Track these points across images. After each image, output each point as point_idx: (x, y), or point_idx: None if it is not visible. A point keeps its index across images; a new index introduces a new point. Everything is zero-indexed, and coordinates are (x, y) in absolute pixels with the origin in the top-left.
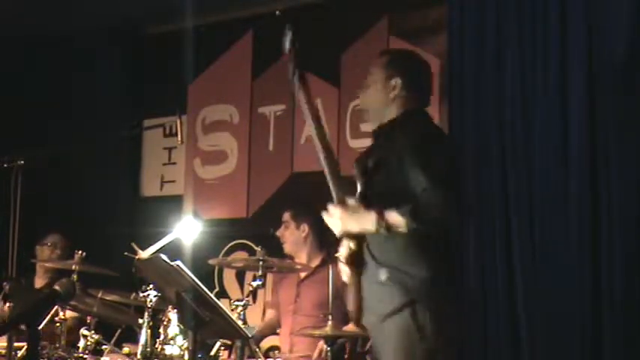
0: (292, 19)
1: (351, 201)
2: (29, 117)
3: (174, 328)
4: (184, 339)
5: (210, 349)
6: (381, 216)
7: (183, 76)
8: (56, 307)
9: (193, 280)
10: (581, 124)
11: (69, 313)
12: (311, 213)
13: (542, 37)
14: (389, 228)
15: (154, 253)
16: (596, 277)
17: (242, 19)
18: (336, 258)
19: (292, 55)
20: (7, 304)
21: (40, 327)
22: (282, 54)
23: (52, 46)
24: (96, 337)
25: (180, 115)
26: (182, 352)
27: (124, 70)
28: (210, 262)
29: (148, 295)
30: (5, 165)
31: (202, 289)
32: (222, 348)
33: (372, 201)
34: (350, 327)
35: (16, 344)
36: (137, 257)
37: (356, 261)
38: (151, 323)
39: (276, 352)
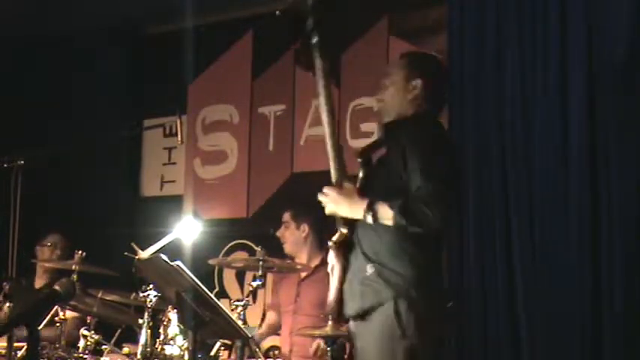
0: (293, 19)
1: (348, 185)
2: (29, 117)
3: (174, 328)
4: (184, 339)
5: (210, 349)
6: (371, 205)
7: (183, 76)
8: (56, 307)
9: (193, 280)
10: (581, 124)
11: (69, 313)
12: (311, 213)
13: (542, 37)
14: (376, 218)
15: (153, 253)
16: (596, 277)
17: (242, 19)
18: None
19: (315, 15)
20: (7, 304)
21: (40, 327)
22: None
23: (52, 46)
24: (96, 337)
25: (180, 115)
26: (182, 352)
27: (123, 70)
28: (210, 262)
29: (148, 295)
30: (5, 165)
31: (202, 289)
32: (222, 348)
33: (370, 194)
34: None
35: (16, 344)
36: (137, 257)
37: (344, 247)
38: (150, 323)
39: (276, 352)
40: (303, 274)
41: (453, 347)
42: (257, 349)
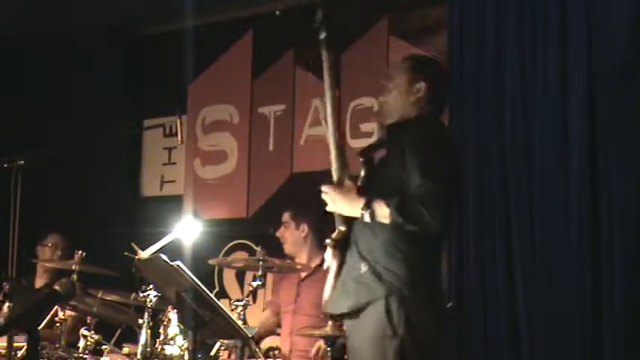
0: (293, 19)
1: (347, 183)
2: (29, 117)
3: (174, 328)
4: (184, 339)
5: (210, 349)
6: (368, 203)
7: (183, 76)
8: (56, 307)
9: (193, 280)
10: (581, 124)
11: (69, 313)
12: (310, 213)
13: (542, 37)
14: (373, 216)
15: (154, 253)
16: (596, 277)
17: (242, 19)
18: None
19: (324, 8)
20: (7, 304)
21: (40, 327)
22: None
23: (52, 46)
24: (96, 337)
25: (180, 115)
26: (182, 352)
27: (123, 70)
28: (210, 262)
29: (148, 295)
30: (5, 165)
31: (202, 289)
32: (222, 348)
33: (370, 194)
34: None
35: (16, 344)
36: (137, 257)
37: (342, 245)
38: (151, 323)
39: (276, 352)
40: (303, 274)
41: (453, 347)
42: (257, 349)
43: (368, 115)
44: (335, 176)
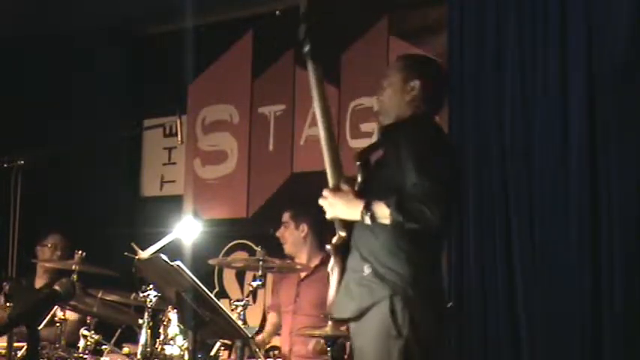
0: (293, 19)
1: (344, 187)
2: (29, 117)
3: (174, 328)
4: (184, 339)
5: (210, 349)
6: (368, 205)
7: (183, 76)
8: (56, 307)
9: (193, 280)
10: (581, 124)
11: (69, 313)
12: (310, 213)
13: (542, 37)
14: (374, 218)
15: (153, 253)
16: (596, 277)
17: (242, 19)
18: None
19: (307, 22)
20: (7, 304)
21: (40, 327)
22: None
23: (52, 46)
24: (96, 337)
25: (180, 115)
26: (182, 352)
27: (123, 70)
28: (210, 262)
29: (148, 295)
30: (5, 165)
31: (202, 289)
32: (222, 348)
33: (369, 196)
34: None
35: (16, 344)
36: (137, 257)
37: (343, 249)
38: (151, 323)
39: (276, 352)
40: (303, 274)
41: (453, 347)
42: (257, 349)
43: (368, 115)
44: (331, 182)
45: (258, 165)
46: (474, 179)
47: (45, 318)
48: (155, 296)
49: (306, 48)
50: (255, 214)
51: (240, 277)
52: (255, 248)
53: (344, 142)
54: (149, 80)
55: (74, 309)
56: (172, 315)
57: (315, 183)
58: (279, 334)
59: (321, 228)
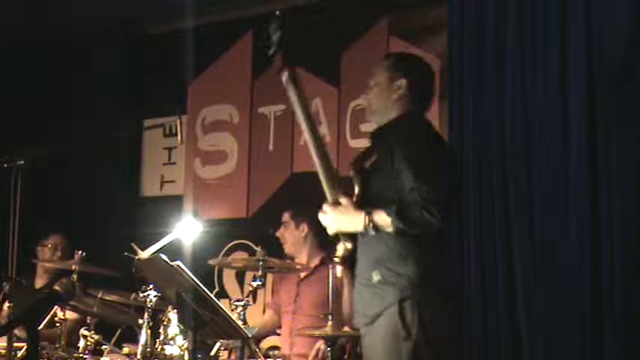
0: (291, 19)
1: (343, 201)
2: (29, 117)
3: (174, 328)
4: (184, 339)
5: (210, 349)
6: (369, 216)
7: (183, 76)
8: (56, 307)
9: (193, 280)
10: (581, 124)
11: (69, 313)
12: (310, 213)
13: (542, 37)
14: (377, 228)
15: (153, 253)
16: (596, 277)
17: (242, 19)
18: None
19: (281, 53)
20: (7, 304)
21: (40, 327)
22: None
23: (51, 45)
24: (96, 337)
25: (180, 115)
26: (182, 352)
27: (123, 70)
28: (210, 262)
29: (148, 295)
30: (5, 165)
31: (202, 289)
32: (222, 348)
33: (368, 203)
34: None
35: (16, 344)
36: (137, 257)
37: (351, 261)
38: (151, 323)
39: (276, 352)
40: (303, 274)
41: (453, 347)
42: (257, 349)
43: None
44: (329, 198)
45: (258, 165)
46: (474, 179)
47: (45, 318)
48: (155, 296)
49: (285, 76)
50: (255, 214)
51: (240, 277)
52: (255, 248)
53: (344, 142)
54: (149, 80)
55: (74, 309)
56: (172, 315)
57: (315, 183)
58: (278, 334)
59: (321, 228)
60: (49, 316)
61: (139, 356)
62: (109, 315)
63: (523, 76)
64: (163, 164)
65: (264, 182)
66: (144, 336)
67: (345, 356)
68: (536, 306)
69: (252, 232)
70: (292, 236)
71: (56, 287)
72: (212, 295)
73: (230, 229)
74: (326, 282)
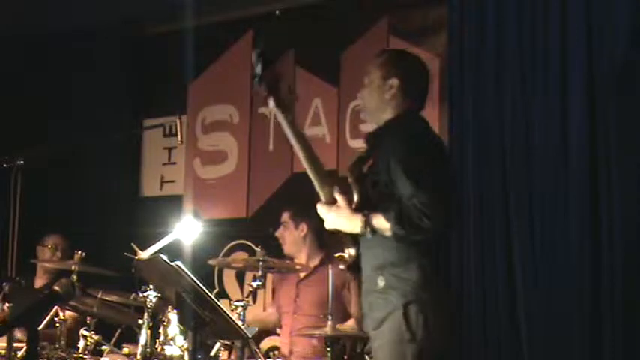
0: (293, 19)
1: (340, 201)
2: (29, 117)
3: (174, 328)
4: (184, 339)
5: (210, 349)
6: (367, 219)
7: (183, 76)
8: (56, 307)
9: (193, 280)
10: (581, 124)
11: (69, 314)
12: (310, 213)
13: (542, 37)
14: (374, 231)
15: (153, 254)
16: (596, 277)
17: (242, 19)
18: (335, 258)
19: (264, 83)
20: (7, 304)
21: (40, 327)
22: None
23: (51, 45)
24: (96, 337)
25: (180, 115)
26: (182, 352)
27: (123, 70)
28: (210, 262)
29: (148, 295)
30: (5, 165)
31: (202, 290)
32: (222, 348)
33: (367, 207)
34: (349, 325)
35: (16, 344)
36: (137, 257)
37: (357, 266)
38: (150, 323)
39: (276, 352)
40: (302, 274)
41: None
42: (257, 349)
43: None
44: (324, 200)
45: (258, 165)
46: (474, 179)
47: (45, 318)
48: (155, 296)
49: (271, 103)
50: (255, 214)
51: (240, 277)
52: (255, 248)
53: (344, 142)
54: (149, 80)
55: (74, 309)
56: (172, 315)
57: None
58: (278, 334)
59: (321, 228)
60: (49, 316)
61: (138, 356)
62: (108, 315)
63: (523, 76)
64: (163, 164)
65: (264, 182)
66: (144, 336)
67: (345, 356)
68: (536, 306)
69: (252, 232)
70: (292, 236)
71: (56, 287)
72: (212, 296)
73: (230, 229)
74: (325, 282)
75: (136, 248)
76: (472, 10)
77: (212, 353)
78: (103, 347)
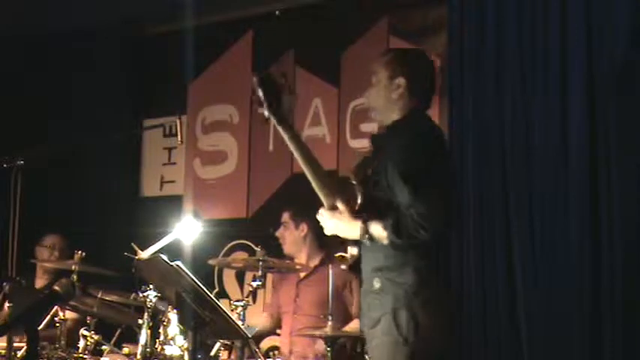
0: (293, 19)
1: (341, 207)
2: (29, 117)
3: (174, 328)
4: (184, 339)
5: (210, 349)
6: (365, 226)
7: (183, 76)
8: (56, 307)
9: (193, 280)
10: (581, 124)
11: (69, 314)
12: (310, 213)
13: (542, 37)
14: (372, 239)
15: (153, 254)
16: (596, 277)
17: (242, 19)
18: (335, 258)
19: (265, 107)
20: (7, 304)
21: (40, 327)
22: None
23: (51, 45)
24: (96, 337)
25: (180, 115)
26: (182, 352)
27: (123, 70)
28: (210, 262)
29: (148, 295)
30: (5, 165)
31: (202, 290)
32: (222, 348)
33: (370, 209)
34: (351, 326)
35: (16, 344)
36: (137, 257)
37: (358, 267)
38: (150, 323)
39: (276, 352)
40: (302, 275)
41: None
42: (257, 349)
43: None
44: (326, 205)
45: (258, 165)
46: (474, 179)
47: (45, 318)
48: (155, 296)
49: (274, 120)
50: (255, 214)
51: (240, 277)
52: (255, 248)
53: (344, 142)
54: (149, 80)
55: (74, 309)
56: (172, 315)
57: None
58: (278, 334)
59: (321, 228)
60: (49, 316)
61: (138, 356)
62: (108, 315)
63: (523, 76)
64: (163, 164)
65: (264, 182)
66: (144, 336)
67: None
68: (536, 306)
69: (252, 232)
70: (292, 236)
71: (56, 287)
72: (212, 296)
73: (230, 229)
74: (326, 282)
75: (136, 248)
76: (472, 10)
77: (212, 353)
78: (103, 347)
